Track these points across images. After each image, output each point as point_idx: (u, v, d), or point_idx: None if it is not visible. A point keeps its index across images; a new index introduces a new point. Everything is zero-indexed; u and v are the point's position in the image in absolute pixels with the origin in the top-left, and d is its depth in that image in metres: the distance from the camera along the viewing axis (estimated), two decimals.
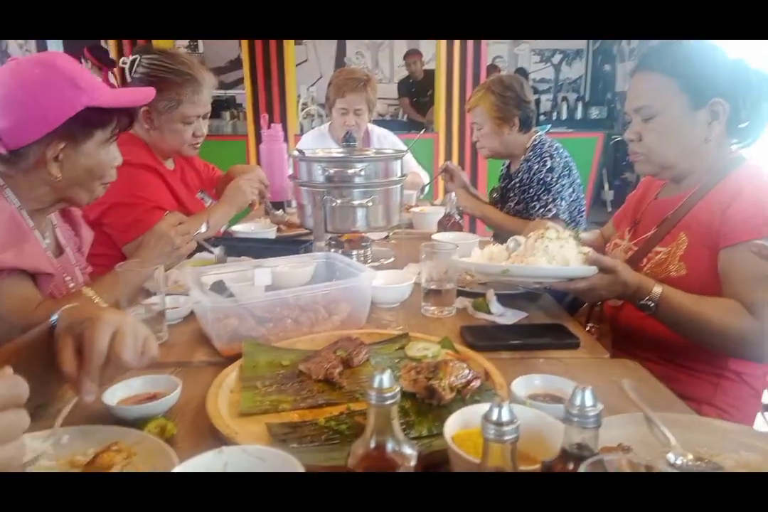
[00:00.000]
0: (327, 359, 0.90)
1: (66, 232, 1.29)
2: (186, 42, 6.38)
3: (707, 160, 1.17)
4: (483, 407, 0.68)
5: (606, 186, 6.33)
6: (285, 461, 0.56)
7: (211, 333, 1.00)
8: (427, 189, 2.43)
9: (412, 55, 5.89)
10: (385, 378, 0.56)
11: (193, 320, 1.13)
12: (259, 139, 4.48)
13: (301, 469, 0.55)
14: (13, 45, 5.56)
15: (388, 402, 0.55)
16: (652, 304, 1.07)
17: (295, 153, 1.45)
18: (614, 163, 6.34)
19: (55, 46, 5.63)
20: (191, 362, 0.97)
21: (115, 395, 0.79)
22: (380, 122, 2.67)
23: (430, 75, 5.12)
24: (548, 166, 1.91)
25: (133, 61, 1.58)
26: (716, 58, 1.14)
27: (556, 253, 1.08)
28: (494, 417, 0.51)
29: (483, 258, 1.17)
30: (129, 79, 1.59)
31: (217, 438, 0.73)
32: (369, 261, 1.49)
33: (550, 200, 1.84)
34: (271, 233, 1.75)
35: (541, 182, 1.91)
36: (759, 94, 1.13)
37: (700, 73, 1.12)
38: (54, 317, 0.71)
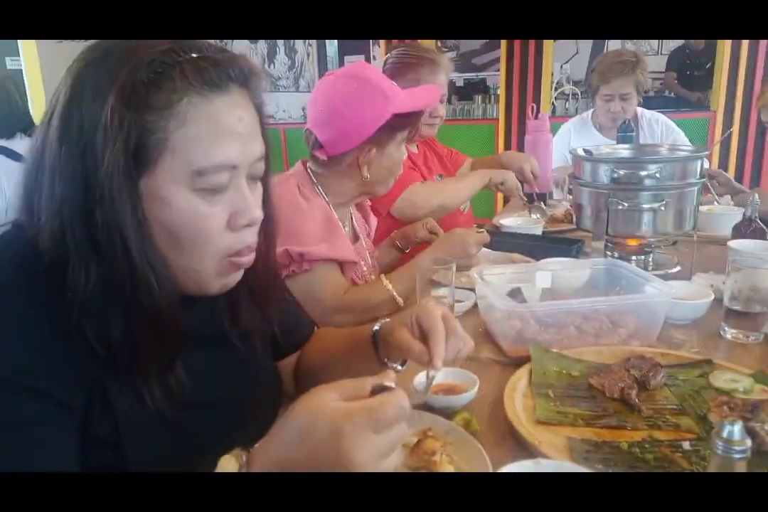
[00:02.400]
0: (620, 377, 0.87)
1: (359, 220, 1.45)
2: None
3: None
4: None
5: None
6: None
7: (496, 332, 1.05)
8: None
9: None
10: (736, 431, 0.52)
11: (474, 314, 1.19)
12: (509, 123, 4.49)
13: None
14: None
15: (737, 455, 0.52)
16: None
17: (581, 152, 1.40)
18: None
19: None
20: (478, 357, 1.03)
21: (421, 382, 0.88)
22: (644, 99, 2.41)
23: (711, 45, 4.45)
24: None
25: (386, 60, 1.79)
26: None
27: None
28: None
29: None
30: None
31: (516, 441, 0.77)
32: (650, 268, 1.38)
33: None
34: (538, 229, 1.73)
35: None
36: None
37: None
38: (376, 326, 0.80)
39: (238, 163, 0.63)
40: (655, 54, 6.10)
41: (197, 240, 0.63)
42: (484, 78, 5.92)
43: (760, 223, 1.51)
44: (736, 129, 4.03)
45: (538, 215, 1.89)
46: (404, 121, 1.21)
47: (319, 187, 1.29)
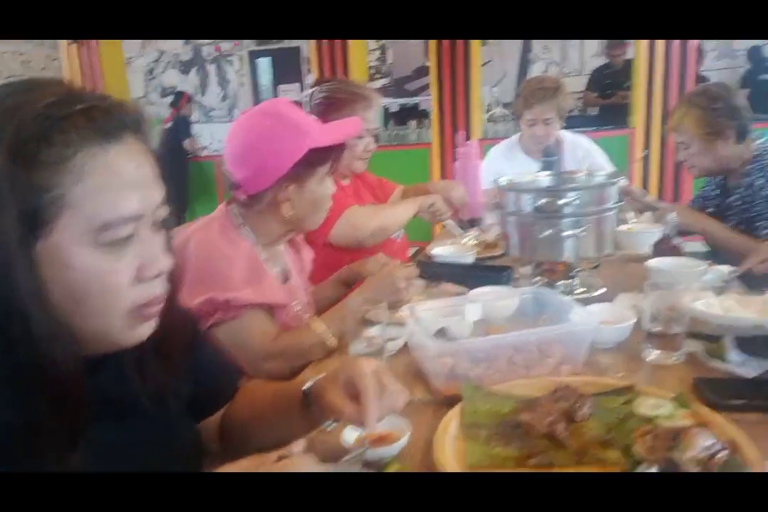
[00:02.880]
0: (548, 411, 0.88)
1: (291, 256, 1.43)
2: (377, 53, 6.69)
3: None
4: None
5: None
6: None
7: (428, 370, 1.04)
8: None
9: (618, 47, 5.20)
10: None
11: (406, 352, 1.18)
12: (443, 147, 4.59)
13: None
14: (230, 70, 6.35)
15: None
16: None
17: (503, 182, 1.43)
18: None
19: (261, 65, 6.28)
20: (411, 399, 1.01)
21: (351, 435, 0.86)
22: (567, 118, 2.51)
23: (630, 63, 4.69)
24: None
25: (312, 93, 1.78)
26: None
27: None
28: None
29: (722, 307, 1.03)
30: (308, 109, 1.73)
31: None
32: (576, 291, 1.42)
33: None
34: (470, 257, 1.76)
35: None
36: None
37: None
38: (306, 386, 0.78)
39: (143, 212, 0.61)
40: (578, 74, 6.42)
41: (105, 297, 0.60)
42: (417, 103, 6.07)
43: (677, 240, 1.59)
44: (657, 146, 4.26)
45: (474, 239, 1.91)
46: (324, 155, 1.21)
47: (244, 228, 1.26)
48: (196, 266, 1.14)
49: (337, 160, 1.26)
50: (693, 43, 4.14)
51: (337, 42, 4.47)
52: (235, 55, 6.23)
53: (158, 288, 0.64)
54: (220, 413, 0.90)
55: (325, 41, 4.48)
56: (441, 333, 1.12)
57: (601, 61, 5.79)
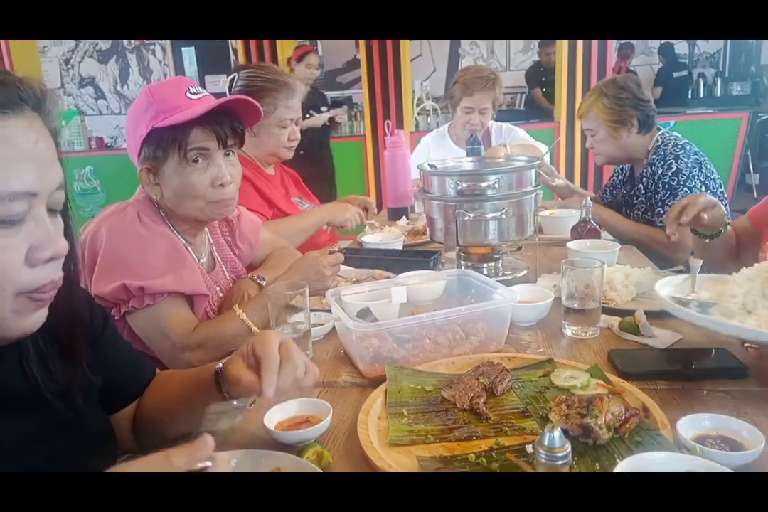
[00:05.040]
0: (470, 386, 0.89)
1: (219, 242, 1.36)
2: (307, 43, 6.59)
3: None
4: (655, 456, 0.64)
5: (751, 168, 5.69)
6: None
7: (353, 354, 1.03)
8: (548, 158, 2.30)
9: (549, 46, 5.35)
10: (556, 437, 0.54)
11: (334, 336, 1.16)
12: (376, 138, 4.59)
13: None
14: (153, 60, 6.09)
15: (560, 462, 0.53)
16: None
17: (427, 167, 1.44)
18: (761, 144, 5.67)
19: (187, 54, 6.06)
20: (337, 382, 1.01)
21: (273, 419, 0.83)
22: (498, 113, 2.56)
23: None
24: (674, 169, 1.80)
25: (232, 80, 1.72)
26: None
27: None
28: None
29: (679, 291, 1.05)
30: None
31: (370, 468, 0.75)
32: (501, 274, 1.45)
33: None
34: (398, 243, 1.76)
35: (667, 186, 1.80)
36: None
37: None
38: (220, 364, 0.76)
39: (38, 190, 0.57)
40: (504, 70, 6.60)
41: None
42: (350, 96, 6.04)
43: (594, 223, 1.66)
44: (578, 137, 4.43)
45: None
46: (173, 136, 1.08)
47: (162, 212, 1.19)
48: (109, 252, 1.08)
49: (226, 144, 1.13)
50: (611, 43, 4.34)
51: None
52: (157, 45, 5.97)
53: (52, 274, 0.60)
54: (133, 406, 0.86)
55: None
56: (366, 315, 1.11)
57: (526, 57, 5.97)
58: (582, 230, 1.61)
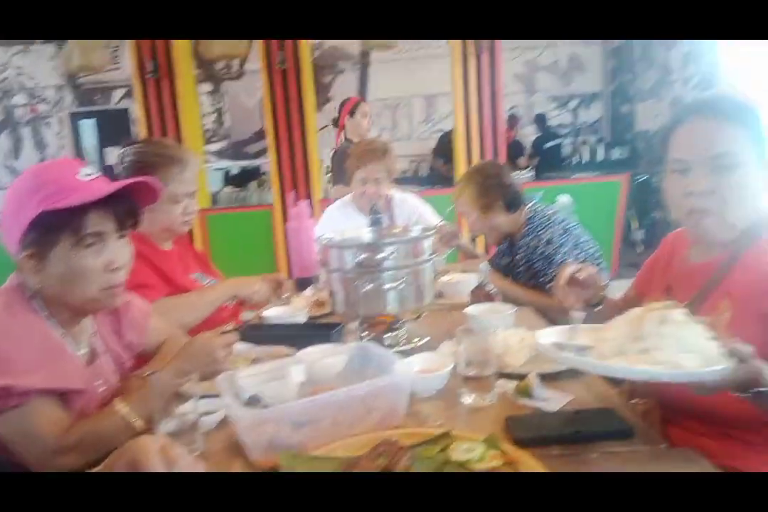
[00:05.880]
0: (367, 468, 0.86)
1: (107, 335, 1.26)
2: (213, 117, 6.68)
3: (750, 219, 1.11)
4: None
5: (635, 225, 6.23)
6: None
7: (245, 443, 0.97)
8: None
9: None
10: None
11: (228, 425, 1.10)
12: (285, 207, 4.62)
13: None
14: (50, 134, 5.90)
15: None
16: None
17: (324, 241, 1.45)
18: (642, 203, 6.26)
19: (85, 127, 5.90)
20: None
21: None
22: (402, 179, 2.70)
23: None
24: (545, 239, 1.96)
25: (120, 155, 1.67)
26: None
27: (691, 343, 0.88)
28: None
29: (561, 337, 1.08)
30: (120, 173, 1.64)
31: None
32: (402, 343, 1.45)
33: (557, 272, 1.82)
34: (301, 317, 1.73)
35: (543, 255, 1.94)
36: None
37: (765, 125, 1.06)
38: None
39: None
40: (408, 139, 6.98)
41: None
42: (259, 165, 6.11)
43: (491, 287, 1.72)
44: None
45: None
46: (66, 220, 1.02)
47: (36, 300, 1.10)
48: None
49: (83, 227, 1.04)
50: (502, 114, 4.71)
51: (167, 103, 4.38)
52: (54, 117, 5.80)
53: None
54: None
55: (153, 102, 4.36)
56: (256, 402, 1.06)
57: (427, 128, 6.37)
58: (480, 294, 1.66)
